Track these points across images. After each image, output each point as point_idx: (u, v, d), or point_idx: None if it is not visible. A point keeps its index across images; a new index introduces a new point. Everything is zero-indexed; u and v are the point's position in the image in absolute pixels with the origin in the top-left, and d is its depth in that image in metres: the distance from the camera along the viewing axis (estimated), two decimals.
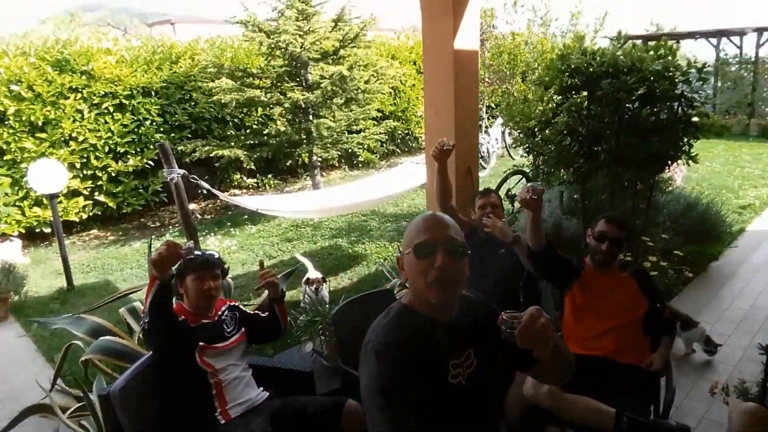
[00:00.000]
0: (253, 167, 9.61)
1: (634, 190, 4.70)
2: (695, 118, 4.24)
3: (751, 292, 5.23)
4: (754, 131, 14.45)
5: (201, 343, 2.55)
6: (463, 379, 1.60)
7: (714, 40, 15.54)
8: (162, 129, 8.87)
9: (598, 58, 4.24)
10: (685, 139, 4.33)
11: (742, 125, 14.46)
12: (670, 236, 5.48)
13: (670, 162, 4.39)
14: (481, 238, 3.35)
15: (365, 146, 10.93)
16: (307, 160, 10.00)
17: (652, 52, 4.30)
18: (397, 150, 13.04)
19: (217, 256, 2.75)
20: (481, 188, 4.06)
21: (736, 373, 3.76)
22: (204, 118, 9.42)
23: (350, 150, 10.29)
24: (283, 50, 8.56)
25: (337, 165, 11.88)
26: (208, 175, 9.28)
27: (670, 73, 4.13)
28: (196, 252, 2.65)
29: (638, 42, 4.37)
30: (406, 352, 1.51)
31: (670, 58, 4.18)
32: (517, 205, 5.39)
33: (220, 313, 2.75)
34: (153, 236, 7.83)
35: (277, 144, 9.16)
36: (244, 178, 10.38)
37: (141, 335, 2.47)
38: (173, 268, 2.48)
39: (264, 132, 9.62)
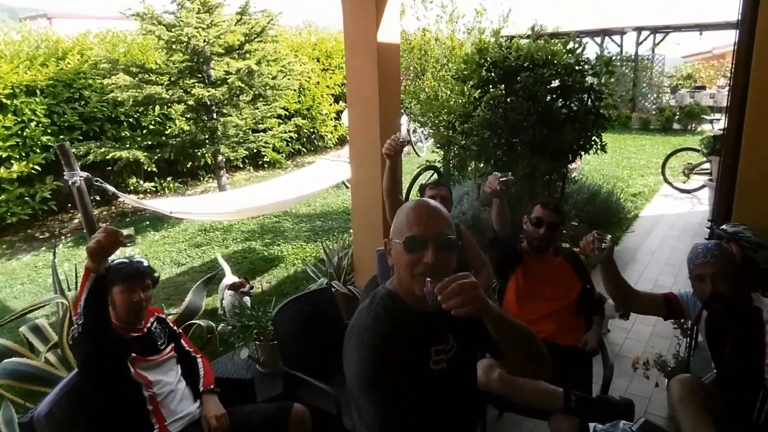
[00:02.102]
0: (152, 170, 9.08)
1: (548, 180, 4.89)
2: (603, 110, 4.48)
3: (650, 273, 5.60)
4: (635, 124, 15.61)
5: (134, 354, 2.36)
6: (446, 365, 1.60)
7: (598, 39, 16.59)
8: (50, 131, 8.13)
9: (514, 53, 4.37)
10: (594, 130, 4.56)
11: (622, 119, 15.58)
12: (578, 223, 5.76)
13: (581, 152, 4.60)
14: None
15: (271, 146, 10.64)
16: (210, 161, 9.60)
17: (560, 46, 4.50)
18: (303, 149, 12.84)
19: (146, 264, 2.53)
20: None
21: (650, 349, 4.02)
22: (96, 118, 8.75)
23: (256, 150, 9.98)
24: (184, 44, 8.15)
25: (241, 166, 11.50)
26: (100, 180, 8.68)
27: (580, 67, 4.33)
28: (124, 259, 2.46)
29: (524, 41, 4.62)
30: (390, 338, 1.50)
31: (579, 52, 4.38)
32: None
33: (149, 324, 2.55)
34: (57, 244, 7.22)
35: (178, 144, 8.73)
36: (141, 182, 9.79)
37: (71, 341, 2.18)
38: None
39: (163, 132, 9.13)
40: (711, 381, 2.54)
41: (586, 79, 4.38)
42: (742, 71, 2.88)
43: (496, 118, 4.36)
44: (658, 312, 2.59)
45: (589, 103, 4.46)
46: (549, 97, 4.45)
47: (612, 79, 4.45)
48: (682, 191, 8.84)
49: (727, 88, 14.17)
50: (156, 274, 2.61)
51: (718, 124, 10.45)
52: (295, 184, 6.14)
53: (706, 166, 8.27)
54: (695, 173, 8.96)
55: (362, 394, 1.50)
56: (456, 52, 6.48)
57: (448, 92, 6.15)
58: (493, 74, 4.43)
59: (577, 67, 4.33)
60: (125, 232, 2.11)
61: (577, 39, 4.48)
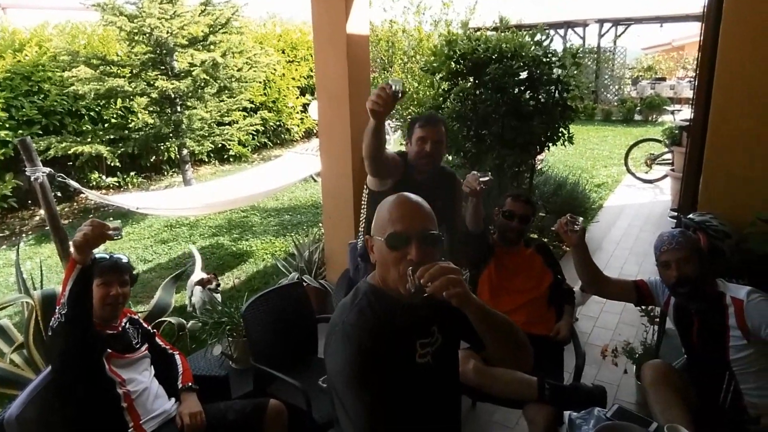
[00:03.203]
0: (115, 164, 8.87)
1: (516, 172, 4.93)
2: (571, 102, 4.54)
3: (616, 262, 5.71)
4: (598, 116, 15.87)
5: (109, 351, 2.31)
6: (431, 358, 1.60)
7: (561, 31, 16.80)
8: (7, 125, 7.86)
9: (483, 45, 4.39)
10: (562, 122, 4.61)
11: (588, 110, 15.84)
12: (545, 214, 5.84)
13: (549, 144, 4.66)
14: (417, 180, 2.88)
15: (237, 139, 10.50)
16: (174, 155, 9.42)
17: (528, 39, 4.53)
18: (269, 142, 12.70)
19: (126, 260, 2.48)
20: None
21: (617, 337, 4.10)
22: (56, 111, 8.50)
23: (221, 143, 9.83)
24: (147, 36, 7.97)
25: (206, 160, 11.32)
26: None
27: (548, 59, 4.38)
28: (104, 254, 2.38)
29: (491, 33, 4.64)
30: (376, 333, 1.49)
31: (547, 44, 4.42)
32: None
33: (123, 324, 2.49)
34: (19, 242, 7.00)
35: (142, 138, 8.55)
36: (104, 177, 9.56)
37: (50, 331, 2.10)
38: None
39: (126, 125, 8.93)
40: (681, 366, 2.61)
41: (554, 71, 4.42)
42: (707, 64, 2.95)
43: (466, 110, 4.38)
44: (629, 298, 2.66)
45: (557, 95, 4.51)
46: (517, 89, 4.49)
47: (576, 71, 4.50)
48: (645, 181, 9.03)
49: (687, 79, 14.67)
50: (135, 272, 2.57)
51: (680, 115, 10.68)
52: (264, 178, 6.06)
53: (668, 156, 8.45)
54: (657, 163, 9.15)
55: (348, 390, 1.47)
56: (423, 44, 6.48)
57: (416, 84, 6.14)
58: (462, 66, 4.44)
59: (544, 60, 4.37)
60: (112, 224, 2.04)
61: (545, 31, 4.53)
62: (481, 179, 2.69)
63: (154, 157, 9.94)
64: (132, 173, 9.90)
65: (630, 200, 8.12)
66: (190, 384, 2.55)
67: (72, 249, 1.99)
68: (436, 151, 2.86)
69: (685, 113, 10.91)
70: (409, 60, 6.29)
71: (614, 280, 2.68)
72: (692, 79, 18.48)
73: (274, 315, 3.00)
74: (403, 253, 1.48)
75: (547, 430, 2.31)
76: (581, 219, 2.54)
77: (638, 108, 16.20)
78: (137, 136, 8.68)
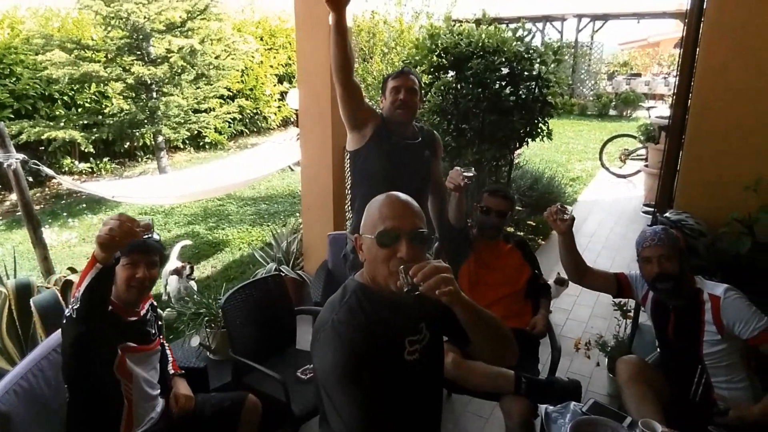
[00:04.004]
0: (89, 150, 8.71)
1: (495, 167, 4.97)
2: (550, 98, 4.58)
3: (590, 256, 5.77)
4: (573, 110, 16.02)
5: (125, 344, 2.17)
6: (419, 355, 1.61)
7: (540, 25, 16.89)
8: None
9: (465, 39, 4.40)
10: (541, 118, 4.66)
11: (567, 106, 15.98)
12: (521, 208, 5.90)
13: (528, 139, 4.71)
14: (392, 139, 2.81)
15: (213, 127, 10.38)
16: (149, 142, 9.28)
17: (510, 34, 4.56)
18: (246, 130, 12.57)
19: (158, 238, 2.28)
20: None
21: (589, 329, 4.18)
22: (28, 95, 8.31)
23: (197, 131, 9.72)
24: (124, 20, 7.82)
25: (182, 147, 11.17)
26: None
27: (529, 55, 4.41)
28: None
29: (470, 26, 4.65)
30: (366, 331, 1.50)
31: (528, 39, 4.46)
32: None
33: (144, 310, 2.33)
34: None
35: (117, 124, 8.41)
36: (76, 162, 9.38)
37: (63, 321, 1.96)
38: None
39: (100, 111, 8.76)
40: (654, 361, 2.68)
41: (534, 67, 4.46)
42: (688, 63, 3.00)
43: (447, 105, 4.40)
44: (609, 290, 2.72)
45: (537, 90, 4.55)
46: (498, 85, 4.51)
47: (555, 68, 4.54)
48: (619, 176, 9.17)
49: (662, 75, 14.87)
50: (166, 253, 2.40)
51: (654, 111, 10.82)
52: (242, 167, 6.02)
53: (642, 152, 8.57)
54: (631, 159, 9.29)
55: (339, 388, 1.48)
56: (404, 36, 6.47)
57: None
58: (444, 60, 4.45)
59: (526, 56, 4.41)
60: (143, 221, 1.84)
61: (527, 27, 4.56)
62: (464, 174, 2.71)
63: (128, 143, 9.77)
64: (105, 159, 9.73)
65: (604, 195, 8.24)
66: (181, 372, 2.52)
67: (95, 244, 1.78)
68: (410, 99, 2.78)
69: (660, 110, 11.09)
70: (390, 51, 6.27)
71: (596, 271, 2.74)
72: (666, 76, 18.93)
73: (253, 306, 2.99)
74: (393, 251, 1.49)
75: (523, 423, 2.35)
76: (571, 208, 2.60)
77: (613, 103, 16.42)
78: (112, 122, 8.54)
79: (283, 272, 4.21)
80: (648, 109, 10.53)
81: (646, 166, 7.54)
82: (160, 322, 2.50)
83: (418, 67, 4.52)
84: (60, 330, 2.06)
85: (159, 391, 2.36)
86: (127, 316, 2.22)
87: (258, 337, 2.96)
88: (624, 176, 9.15)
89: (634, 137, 8.92)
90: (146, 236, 1.87)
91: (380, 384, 1.48)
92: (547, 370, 2.83)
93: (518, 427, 2.35)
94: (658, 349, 2.61)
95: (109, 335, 2.09)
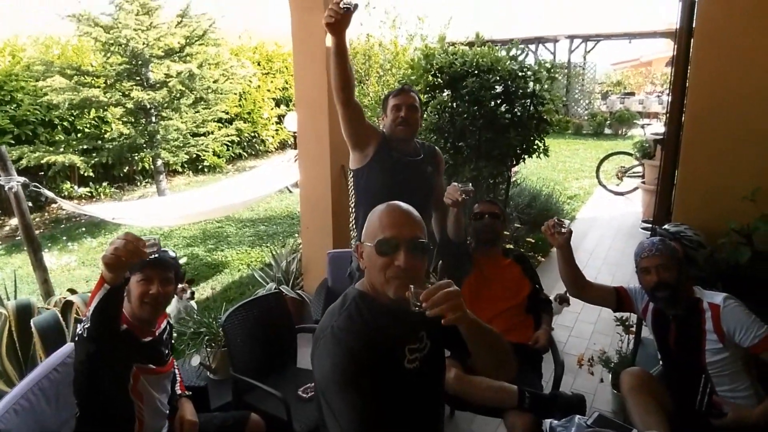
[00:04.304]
0: (88, 174, 8.77)
1: (492, 184, 5.00)
2: (546, 115, 4.63)
3: (589, 273, 5.65)
4: (569, 129, 16.14)
5: (138, 365, 2.12)
6: (419, 364, 1.61)
7: (532, 47, 17.09)
8: None
9: (460, 59, 4.46)
10: (537, 135, 4.70)
11: (563, 124, 16.10)
12: (520, 225, 5.92)
13: (525, 156, 4.74)
14: (393, 156, 2.83)
15: (212, 150, 10.44)
16: (148, 165, 9.33)
17: (504, 53, 4.62)
18: (244, 153, 12.64)
19: (173, 254, 2.23)
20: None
21: (592, 346, 4.16)
22: (29, 121, 8.38)
23: (196, 154, 9.77)
24: (123, 47, 7.92)
25: (180, 170, 11.23)
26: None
27: (523, 73, 4.46)
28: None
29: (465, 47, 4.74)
30: (366, 338, 1.51)
31: (521, 58, 4.52)
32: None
33: (161, 329, 2.28)
34: None
35: (116, 148, 8.46)
36: (76, 187, 9.42)
37: (75, 338, 1.89)
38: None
39: (99, 135, 8.83)
40: (657, 374, 2.68)
41: (529, 84, 4.51)
42: (680, 80, 3.04)
43: (443, 123, 4.44)
44: (609, 303, 2.73)
45: (531, 108, 4.60)
46: (493, 102, 4.56)
47: (548, 85, 4.59)
48: (616, 194, 9.21)
49: (655, 94, 15.03)
50: (183, 270, 2.34)
51: (649, 128, 10.92)
52: (241, 189, 6.04)
53: (639, 169, 8.62)
54: (628, 176, 9.34)
55: (337, 395, 1.48)
56: (399, 58, 6.55)
57: None
58: (439, 80, 4.51)
59: (520, 74, 4.46)
60: (149, 240, 1.80)
61: (521, 46, 4.63)
62: (462, 189, 2.72)
63: (127, 168, 9.82)
64: (104, 183, 9.78)
65: (601, 212, 8.27)
66: (188, 393, 2.48)
67: (101, 265, 1.75)
68: (411, 117, 2.81)
69: (655, 127, 11.17)
70: (385, 73, 6.34)
71: (595, 285, 2.76)
72: (660, 94, 19.12)
73: (253, 325, 2.98)
74: (391, 259, 1.51)
75: None
76: (568, 222, 2.61)
77: (608, 122, 16.56)
78: (111, 146, 8.60)
79: (283, 292, 4.21)
80: (643, 126, 10.62)
81: (644, 182, 7.57)
82: (172, 342, 2.47)
83: (415, 87, 4.57)
84: (61, 349, 2.05)
85: (168, 411, 2.33)
86: (142, 335, 2.17)
87: (259, 356, 2.95)
88: (621, 193, 9.18)
89: (631, 154, 8.99)
90: (153, 255, 1.82)
91: (379, 391, 1.48)
92: (551, 386, 2.81)
93: None
94: (661, 362, 2.60)
95: (123, 355, 2.05)
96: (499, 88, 4.47)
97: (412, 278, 1.51)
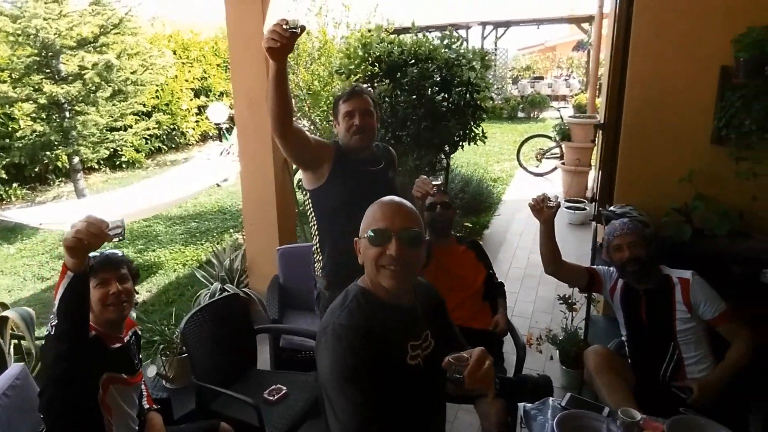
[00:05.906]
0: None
1: (433, 172, 5.05)
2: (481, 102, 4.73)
3: (522, 253, 5.99)
4: (503, 116, 16.63)
5: (109, 374, 2.03)
6: (421, 361, 1.63)
7: (447, 33, 17.34)
8: None
9: (398, 47, 4.47)
10: (474, 122, 4.80)
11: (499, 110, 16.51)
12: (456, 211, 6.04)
13: (463, 143, 4.83)
14: (352, 168, 2.57)
15: (130, 144, 9.95)
16: (62, 164, 8.77)
17: (438, 42, 4.68)
18: (164, 147, 12.13)
19: (120, 254, 2.13)
20: None
21: (534, 324, 4.31)
22: None
23: (114, 150, 9.27)
24: (32, 37, 7.35)
25: (97, 167, 10.63)
26: None
27: (458, 61, 4.53)
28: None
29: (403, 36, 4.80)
30: (367, 334, 1.51)
31: (457, 47, 4.59)
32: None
33: (128, 337, 2.18)
34: None
35: (28, 146, 7.89)
36: None
37: (44, 342, 1.80)
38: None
39: (7, 134, 8.21)
40: (614, 348, 2.85)
41: (465, 73, 4.58)
42: (619, 65, 3.16)
43: (383, 113, 4.43)
44: (580, 282, 2.87)
45: (468, 96, 4.68)
46: (430, 91, 4.60)
47: (480, 73, 4.69)
48: (536, 175, 9.59)
49: (563, 77, 15.63)
50: (134, 264, 2.20)
51: (566, 111, 11.34)
52: (171, 186, 5.81)
53: (557, 150, 8.98)
54: (546, 157, 9.72)
55: (339, 390, 1.48)
56: (328, 46, 6.46)
57: (322, 86, 6.10)
58: (378, 69, 4.50)
59: (456, 62, 4.52)
60: (112, 222, 1.68)
61: (455, 35, 4.69)
62: (434, 183, 2.74)
63: (38, 167, 9.19)
64: (15, 184, 9.13)
65: (525, 193, 8.50)
66: (156, 407, 2.39)
67: (64, 251, 1.64)
68: (366, 124, 2.53)
69: (569, 110, 11.62)
70: (314, 61, 6.23)
71: (569, 264, 2.87)
72: (567, 78, 19.91)
73: (213, 329, 2.90)
74: (383, 249, 1.54)
75: (500, 424, 2.38)
76: (557, 195, 2.72)
77: (521, 106, 17.14)
78: (22, 145, 8.02)
79: (228, 291, 4.10)
80: (559, 109, 11.06)
81: (563, 163, 7.90)
82: (139, 353, 2.36)
83: (353, 77, 4.53)
84: (6, 371, 1.92)
85: (137, 427, 2.23)
86: (110, 342, 2.08)
87: (220, 361, 2.87)
88: (541, 174, 9.55)
89: (549, 137, 9.34)
90: (119, 239, 1.71)
91: (380, 387, 1.49)
92: (513, 369, 2.90)
93: (496, 428, 2.37)
94: (624, 337, 2.74)
95: (92, 362, 1.95)
96: (437, 77, 4.51)
97: (405, 268, 1.54)
